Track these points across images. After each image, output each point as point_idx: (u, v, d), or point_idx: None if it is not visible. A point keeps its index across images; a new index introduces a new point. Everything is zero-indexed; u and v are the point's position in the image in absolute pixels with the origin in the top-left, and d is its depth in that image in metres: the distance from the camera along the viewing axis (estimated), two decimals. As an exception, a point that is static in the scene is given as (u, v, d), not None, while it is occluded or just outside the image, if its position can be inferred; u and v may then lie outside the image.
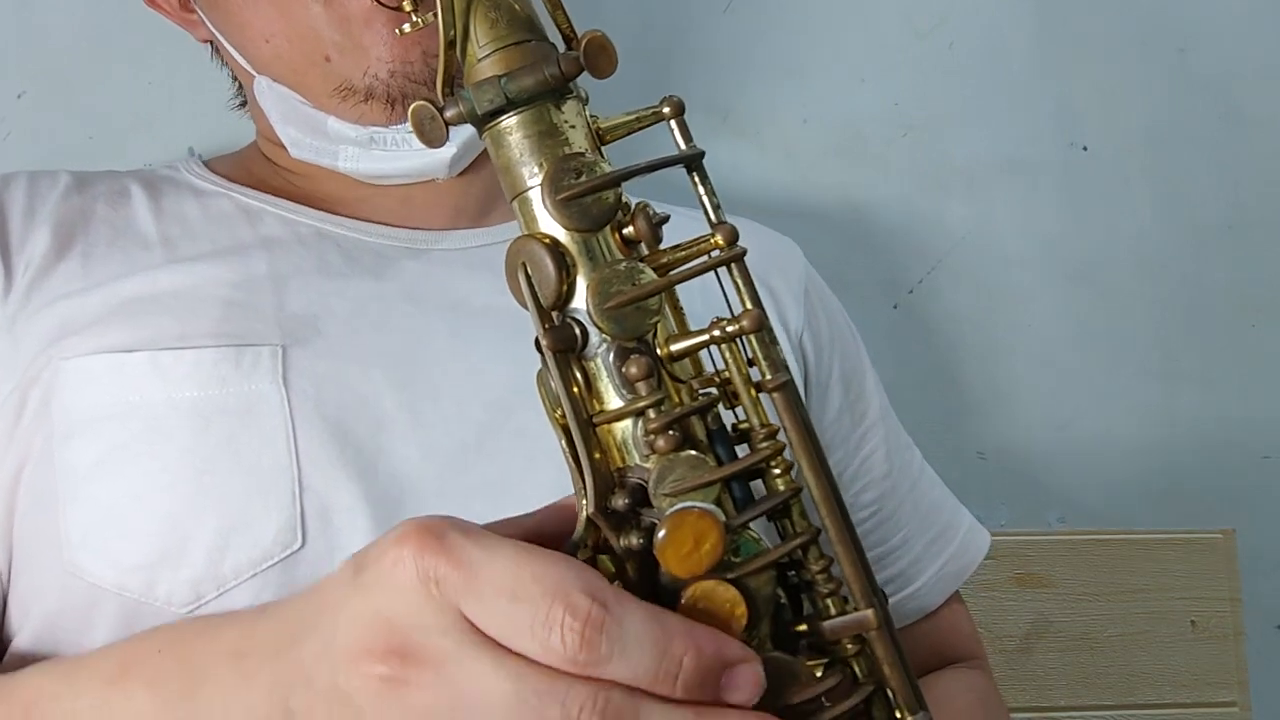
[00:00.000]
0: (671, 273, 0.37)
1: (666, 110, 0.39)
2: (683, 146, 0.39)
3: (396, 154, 0.61)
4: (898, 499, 0.73)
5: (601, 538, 0.36)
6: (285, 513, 0.53)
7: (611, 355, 0.36)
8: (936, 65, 0.94)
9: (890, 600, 0.39)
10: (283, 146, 0.64)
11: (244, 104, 0.70)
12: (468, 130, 0.41)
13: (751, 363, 0.38)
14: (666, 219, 0.38)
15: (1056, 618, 0.90)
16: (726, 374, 0.38)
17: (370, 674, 0.33)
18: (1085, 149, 0.96)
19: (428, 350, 0.59)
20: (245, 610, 0.42)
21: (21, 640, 0.55)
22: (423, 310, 0.60)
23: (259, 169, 0.67)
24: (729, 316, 0.37)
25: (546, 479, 0.54)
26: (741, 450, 0.38)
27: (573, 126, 0.38)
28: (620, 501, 0.36)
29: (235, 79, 0.69)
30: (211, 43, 0.67)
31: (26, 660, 0.54)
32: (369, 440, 0.55)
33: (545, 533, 0.38)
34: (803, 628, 0.37)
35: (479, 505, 0.54)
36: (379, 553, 0.34)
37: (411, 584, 0.33)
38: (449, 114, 0.38)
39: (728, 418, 0.38)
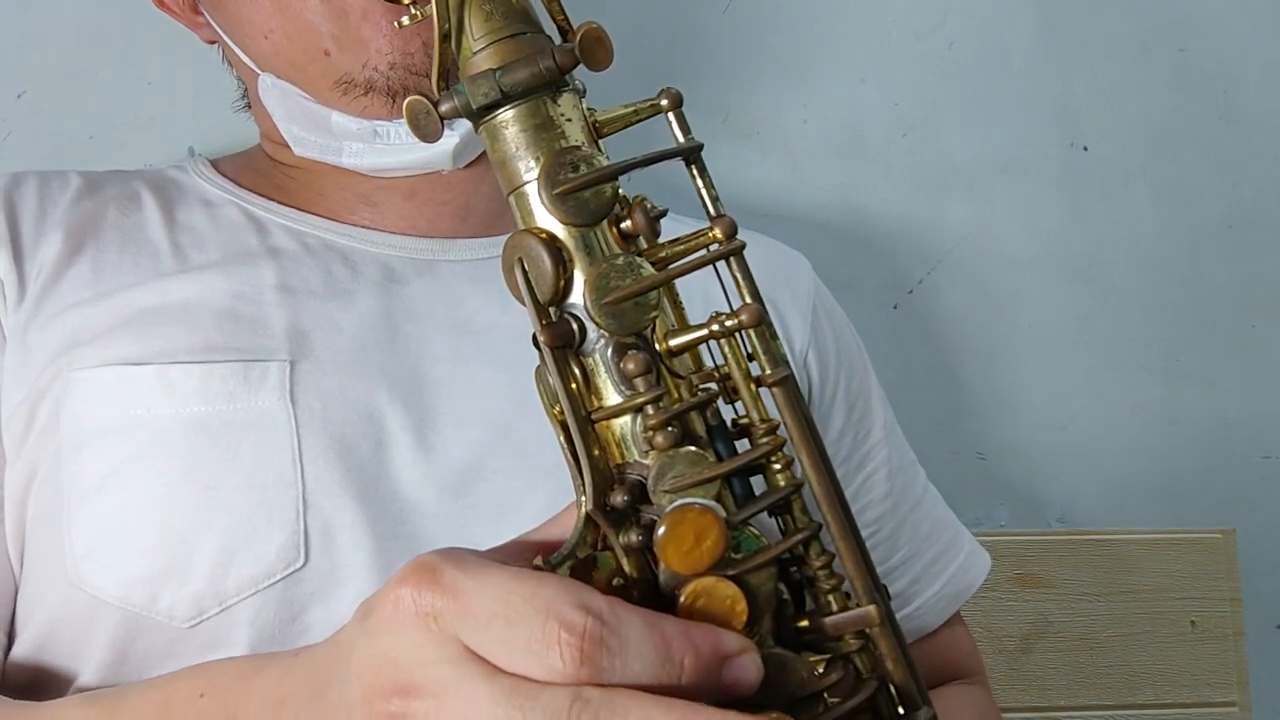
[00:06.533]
0: (670, 267, 0.37)
1: (664, 103, 0.38)
2: (681, 139, 0.38)
3: (400, 147, 0.61)
4: (898, 519, 0.72)
5: (601, 535, 0.36)
6: (289, 530, 0.53)
7: (610, 351, 0.36)
8: (936, 65, 0.94)
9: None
10: (287, 147, 0.64)
11: (249, 105, 0.69)
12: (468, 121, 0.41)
13: (751, 357, 0.37)
14: (664, 213, 0.38)
15: (1056, 618, 0.89)
16: (726, 369, 0.38)
17: (381, 713, 0.34)
18: (1085, 149, 0.96)
19: (431, 370, 0.58)
20: (281, 654, 0.42)
21: (21, 644, 0.55)
22: (427, 329, 0.60)
23: (265, 171, 0.67)
24: (728, 311, 0.37)
25: (544, 500, 0.54)
26: (741, 446, 0.37)
27: (569, 120, 0.37)
28: (620, 498, 0.36)
29: (240, 80, 0.68)
30: (217, 44, 0.67)
31: (24, 668, 0.54)
32: (371, 459, 0.55)
33: (552, 548, 0.38)
34: (804, 624, 0.37)
35: (478, 526, 0.55)
36: (381, 596, 0.35)
37: (411, 621, 0.34)
38: (444, 108, 0.38)
39: (727, 413, 0.38)
